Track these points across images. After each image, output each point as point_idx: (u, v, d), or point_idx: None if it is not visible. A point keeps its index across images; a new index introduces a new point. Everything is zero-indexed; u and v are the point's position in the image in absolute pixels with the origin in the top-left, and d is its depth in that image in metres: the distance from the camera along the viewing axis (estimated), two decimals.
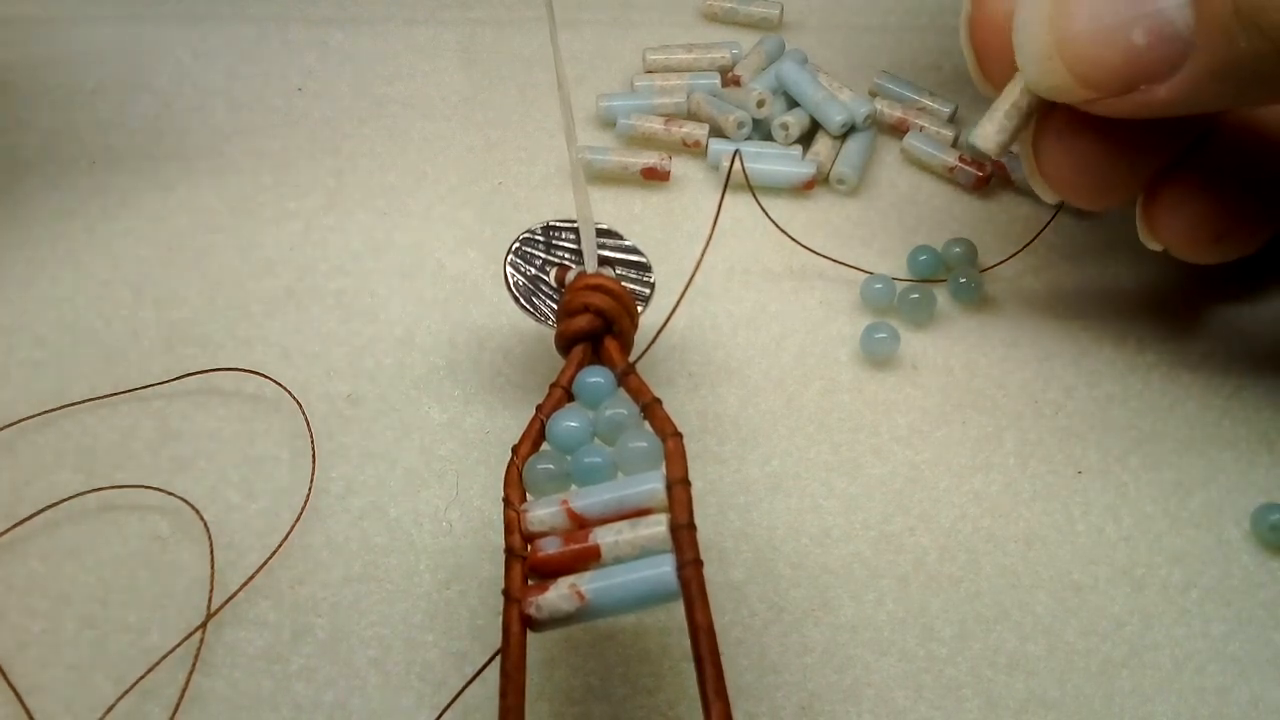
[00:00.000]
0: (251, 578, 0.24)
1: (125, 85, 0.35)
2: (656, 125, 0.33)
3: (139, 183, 0.32)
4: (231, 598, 0.23)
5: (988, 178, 0.33)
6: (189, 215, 0.31)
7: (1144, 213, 0.27)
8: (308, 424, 0.26)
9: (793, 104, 0.34)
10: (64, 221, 0.31)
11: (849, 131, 0.33)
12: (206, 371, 0.27)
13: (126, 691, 0.22)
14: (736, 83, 0.35)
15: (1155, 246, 0.27)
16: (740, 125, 0.33)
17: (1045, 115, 0.25)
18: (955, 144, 0.34)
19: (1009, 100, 0.25)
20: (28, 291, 0.29)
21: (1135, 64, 0.22)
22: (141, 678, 0.22)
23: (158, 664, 0.22)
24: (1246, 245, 0.27)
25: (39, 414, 0.26)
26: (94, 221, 0.31)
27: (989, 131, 0.25)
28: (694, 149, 0.33)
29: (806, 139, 0.34)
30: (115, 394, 0.27)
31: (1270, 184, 0.26)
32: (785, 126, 0.33)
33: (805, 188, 0.32)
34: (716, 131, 0.34)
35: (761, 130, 0.34)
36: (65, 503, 0.25)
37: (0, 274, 0.29)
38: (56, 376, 0.27)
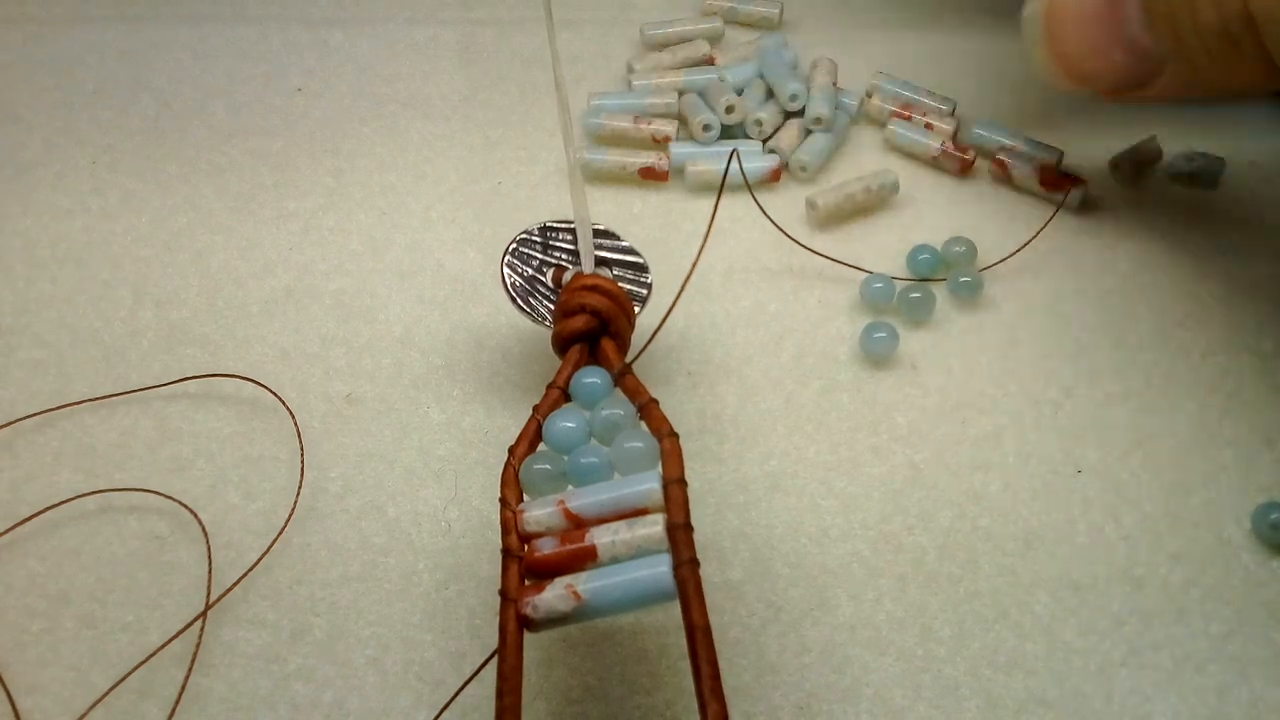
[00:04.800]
0: (248, 572, 0.24)
1: (125, 85, 0.35)
2: (625, 123, 0.33)
3: (139, 183, 0.32)
4: (228, 591, 0.23)
5: (972, 161, 0.33)
6: (189, 215, 0.31)
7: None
8: (296, 428, 0.26)
9: (769, 95, 0.34)
10: (64, 221, 0.31)
11: (816, 126, 0.33)
12: (196, 378, 0.27)
13: (118, 683, 0.22)
14: (712, 62, 0.35)
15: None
16: (706, 128, 0.33)
17: None
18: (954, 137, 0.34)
19: None
20: (28, 291, 0.29)
21: (1120, 76, 0.25)
22: (134, 669, 0.22)
23: (151, 656, 0.22)
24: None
25: (39, 413, 0.26)
26: (94, 221, 0.31)
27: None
28: (663, 144, 0.33)
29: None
30: (115, 395, 0.27)
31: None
32: (759, 122, 0.33)
33: (771, 179, 0.32)
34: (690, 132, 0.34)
35: (734, 134, 0.34)
36: (65, 504, 0.25)
37: (1, 273, 0.30)
38: (57, 376, 0.27)
